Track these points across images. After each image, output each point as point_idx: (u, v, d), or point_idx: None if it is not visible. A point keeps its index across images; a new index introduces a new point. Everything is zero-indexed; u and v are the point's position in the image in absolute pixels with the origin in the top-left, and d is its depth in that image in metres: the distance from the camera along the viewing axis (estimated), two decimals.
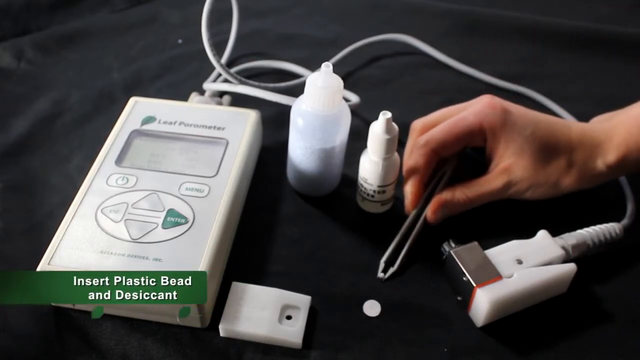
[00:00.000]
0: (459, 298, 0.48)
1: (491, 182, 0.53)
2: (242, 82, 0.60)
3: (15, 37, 0.73)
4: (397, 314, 0.48)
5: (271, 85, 0.61)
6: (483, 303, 0.45)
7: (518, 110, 0.53)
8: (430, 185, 0.54)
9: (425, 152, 0.52)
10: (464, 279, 0.46)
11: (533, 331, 0.47)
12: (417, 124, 0.56)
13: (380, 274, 0.50)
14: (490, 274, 0.46)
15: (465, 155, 0.57)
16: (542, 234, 0.50)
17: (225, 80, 0.64)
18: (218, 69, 0.58)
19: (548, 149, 0.52)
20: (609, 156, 0.52)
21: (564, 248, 0.49)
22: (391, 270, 0.50)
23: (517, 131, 0.52)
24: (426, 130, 0.55)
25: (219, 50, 0.72)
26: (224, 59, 0.70)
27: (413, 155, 0.53)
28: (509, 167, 0.52)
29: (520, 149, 0.51)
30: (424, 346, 0.46)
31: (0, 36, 0.73)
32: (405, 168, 0.54)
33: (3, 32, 0.73)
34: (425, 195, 0.54)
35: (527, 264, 0.47)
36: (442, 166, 0.55)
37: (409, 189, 0.53)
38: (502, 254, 0.48)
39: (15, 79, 0.68)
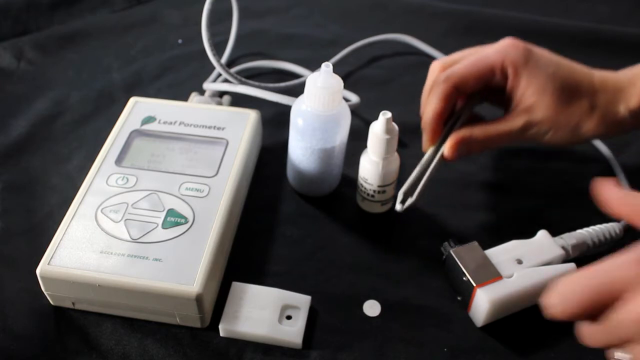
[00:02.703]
0: (458, 298, 0.48)
1: (511, 121, 0.51)
2: (242, 82, 0.60)
3: (15, 37, 0.73)
4: (397, 314, 0.48)
5: (271, 85, 0.61)
6: (483, 303, 0.45)
7: (541, 50, 0.52)
8: (447, 124, 0.53)
9: (446, 88, 0.51)
10: (464, 278, 0.46)
11: (533, 331, 0.47)
12: (436, 64, 0.55)
13: (398, 206, 0.48)
14: (490, 274, 0.46)
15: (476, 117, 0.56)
16: (542, 234, 0.50)
17: (225, 80, 0.64)
18: (218, 69, 0.58)
19: (570, 90, 0.51)
20: (632, 101, 0.51)
21: (563, 248, 0.49)
22: (409, 201, 0.48)
23: (540, 69, 0.51)
24: (446, 69, 0.53)
25: (219, 50, 0.72)
26: (224, 59, 0.70)
27: (433, 92, 0.51)
28: (530, 106, 0.51)
29: (542, 87, 0.50)
30: (424, 346, 0.46)
31: (0, 36, 0.73)
32: (424, 105, 0.53)
33: (3, 32, 0.73)
34: (442, 134, 0.52)
35: (527, 263, 0.47)
36: (458, 110, 0.54)
37: (428, 126, 0.52)
38: (502, 253, 0.48)
39: (15, 79, 0.68)
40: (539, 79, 0.50)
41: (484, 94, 0.55)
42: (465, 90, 0.52)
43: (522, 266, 0.47)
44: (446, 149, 0.51)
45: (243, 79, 0.60)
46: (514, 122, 0.51)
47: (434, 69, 0.55)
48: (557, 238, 0.50)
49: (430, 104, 0.52)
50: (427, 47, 0.73)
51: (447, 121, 0.53)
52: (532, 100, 0.51)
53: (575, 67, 0.52)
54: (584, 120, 0.51)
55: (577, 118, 0.51)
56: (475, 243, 0.48)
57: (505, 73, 0.51)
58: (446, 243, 0.49)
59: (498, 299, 0.45)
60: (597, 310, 0.40)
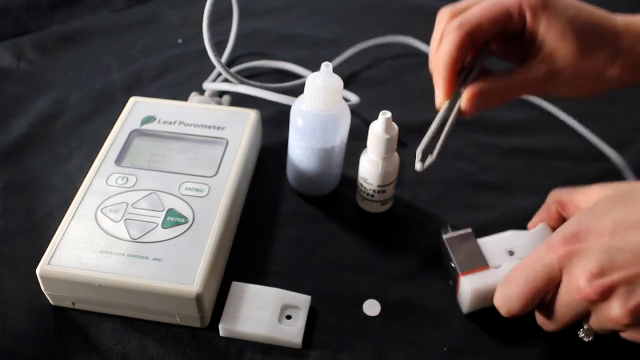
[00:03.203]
0: (450, 283, 0.49)
1: (531, 70, 0.48)
2: (242, 82, 0.60)
3: (15, 37, 0.73)
4: (397, 314, 0.48)
5: (272, 85, 0.61)
6: (466, 291, 0.46)
7: None
8: (460, 77, 0.49)
9: (460, 36, 0.47)
10: (452, 265, 0.47)
11: (533, 331, 0.47)
12: (445, 11, 0.51)
13: (418, 165, 0.46)
14: (478, 263, 0.46)
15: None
16: (542, 227, 0.49)
17: (226, 80, 0.64)
18: (219, 68, 0.58)
19: (593, 34, 0.48)
20: None
21: None
22: (430, 160, 0.46)
23: (560, 12, 0.47)
24: (456, 17, 0.49)
25: (219, 50, 0.71)
26: (224, 59, 0.70)
27: (445, 41, 0.48)
28: (551, 53, 0.47)
29: (563, 32, 0.47)
30: (424, 346, 0.46)
31: (0, 36, 0.73)
32: (434, 57, 0.49)
33: (3, 32, 0.73)
34: (456, 89, 0.48)
35: (519, 255, 0.47)
36: (469, 63, 0.50)
37: (442, 78, 0.48)
38: (496, 244, 0.48)
39: (15, 79, 0.68)
40: (560, 23, 0.47)
41: (496, 46, 0.52)
42: (480, 37, 0.48)
43: (513, 258, 0.47)
44: (463, 102, 0.48)
45: (243, 79, 0.60)
46: (535, 71, 0.48)
47: (443, 17, 0.50)
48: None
49: (443, 55, 0.48)
50: (427, 47, 0.73)
51: (459, 75, 0.49)
52: (553, 46, 0.47)
53: (596, 10, 0.49)
54: (608, 67, 0.48)
55: (601, 65, 0.48)
56: (470, 230, 0.48)
57: (523, 17, 0.48)
58: (444, 228, 0.49)
59: (480, 289, 0.45)
60: (543, 297, 0.42)
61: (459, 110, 0.48)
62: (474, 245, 0.47)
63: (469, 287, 0.45)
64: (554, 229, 0.47)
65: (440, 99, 0.49)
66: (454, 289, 0.48)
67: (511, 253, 0.47)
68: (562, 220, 0.47)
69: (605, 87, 0.50)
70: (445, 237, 0.48)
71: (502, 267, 0.46)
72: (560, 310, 0.41)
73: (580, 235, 0.39)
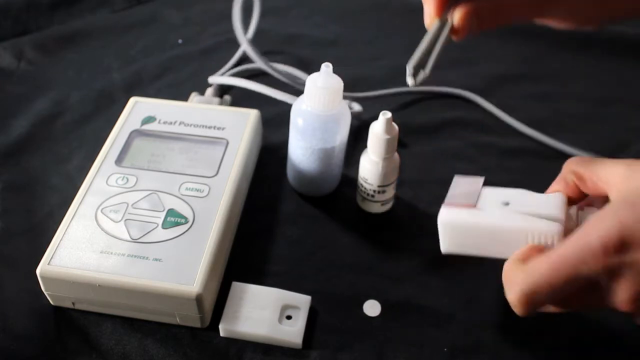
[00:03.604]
0: None
1: None
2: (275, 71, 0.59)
3: (15, 37, 0.73)
4: (397, 314, 0.48)
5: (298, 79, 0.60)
6: (439, 222, 0.43)
7: None
8: None
9: None
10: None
11: (533, 331, 0.47)
12: None
13: (409, 80, 0.43)
14: (466, 201, 0.43)
15: None
16: (557, 196, 0.43)
17: (236, 74, 0.63)
18: (259, 64, 0.57)
19: None
20: None
21: (571, 218, 0.43)
22: (422, 75, 0.43)
23: None
24: None
25: (222, 50, 0.72)
26: (236, 56, 0.70)
27: None
28: None
29: None
30: (424, 346, 0.46)
31: (0, 36, 0.73)
32: None
33: (3, 32, 0.73)
34: (447, 6, 0.44)
35: (513, 208, 0.42)
36: None
37: None
38: (498, 193, 0.44)
39: (15, 79, 0.68)
40: None
41: None
42: None
43: (505, 208, 0.43)
44: (456, 19, 0.44)
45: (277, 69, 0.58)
46: None
47: None
48: (574, 207, 0.44)
49: None
50: None
51: None
52: None
53: None
54: None
55: None
56: (482, 178, 0.45)
57: None
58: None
59: (453, 222, 0.43)
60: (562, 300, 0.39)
61: (451, 29, 0.44)
62: (475, 188, 0.44)
63: (442, 217, 0.43)
64: (572, 201, 0.43)
65: (430, 17, 0.45)
66: None
67: (506, 203, 0.43)
68: (581, 193, 0.43)
69: (612, 10, 0.44)
70: (456, 175, 0.46)
71: (488, 211, 0.42)
72: (585, 308, 0.39)
73: (624, 243, 0.35)
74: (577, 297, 0.38)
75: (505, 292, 0.40)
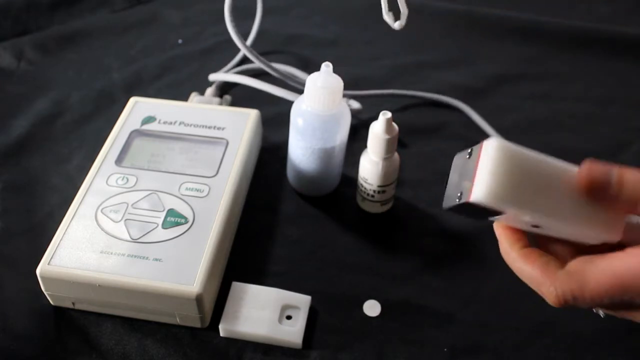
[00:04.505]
0: (458, 194, 0.34)
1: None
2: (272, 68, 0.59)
3: (15, 37, 0.73)
4: (397, 314, 0.48)
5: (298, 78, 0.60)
6: (490, 152, 0.32)
7: None
8: None
9: None
10: (474, 147, 0.34)
11: (533, 331, 0.47)
12: None
13: (396, 25, 0.43)
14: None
15: None
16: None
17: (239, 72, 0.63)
18: (257, 62, 0.58)
19: None
20: None
21: (635, 228, 0.36)
22: (404, 15, 0.43)
23: None
24: None
25: (222, 49, 0.72)
26: (238, 56, 0.69)
27: None
28: None
29: None
30: (424, 346, 0.46)
31: (0, 36, 0.73)
32: None
33: (3, 32, 0.73)
34: None
35: None
36: None
37: None
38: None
39: (15, 79, 0.68)
40: None
41: None
42: None
43: None
44: None
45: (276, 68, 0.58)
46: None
47: None
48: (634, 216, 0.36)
49: None
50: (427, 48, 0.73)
51: None
52: None
53: None
54: None
55: None
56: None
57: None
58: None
59: (511, 148, 0.33)
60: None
61: None
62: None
63: (494, 144, 0.32)
64: None
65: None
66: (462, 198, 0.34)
67: None
68: None
69: None
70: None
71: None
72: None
73: None
74: (626, 312, 0.36)
75: (546, 284, 0.35)
